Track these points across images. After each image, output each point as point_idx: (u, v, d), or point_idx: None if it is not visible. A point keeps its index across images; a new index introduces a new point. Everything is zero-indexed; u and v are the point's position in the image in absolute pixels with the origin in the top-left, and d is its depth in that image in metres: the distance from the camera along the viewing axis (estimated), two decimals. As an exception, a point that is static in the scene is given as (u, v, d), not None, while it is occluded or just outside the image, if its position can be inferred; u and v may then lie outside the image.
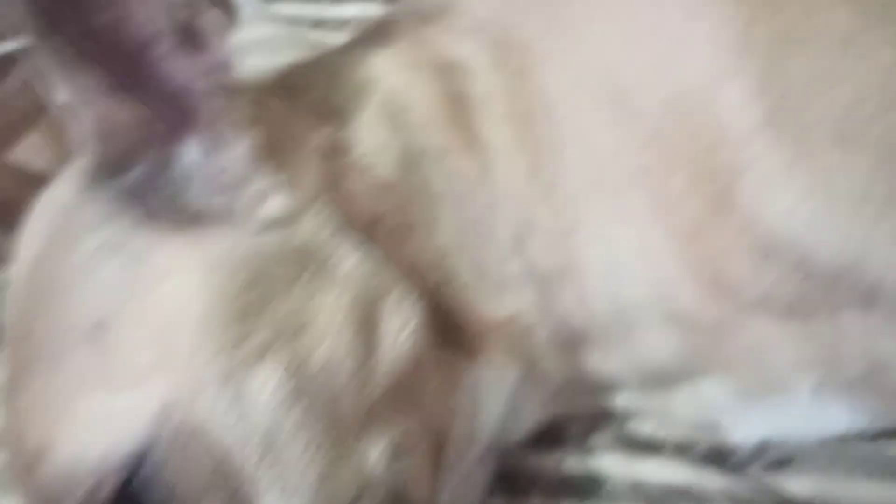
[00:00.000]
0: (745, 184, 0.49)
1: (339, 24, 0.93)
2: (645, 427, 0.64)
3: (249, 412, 0.45)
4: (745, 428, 0.60)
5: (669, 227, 0.52)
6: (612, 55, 0.53)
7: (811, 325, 0.51)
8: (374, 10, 0.92)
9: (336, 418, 0.47)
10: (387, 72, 0.56)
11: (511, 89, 0.55)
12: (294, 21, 0.94)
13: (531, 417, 0.59)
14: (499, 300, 0.54)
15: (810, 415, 0.57)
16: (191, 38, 0.47)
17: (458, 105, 0.55)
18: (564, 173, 0.54)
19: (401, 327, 0.50)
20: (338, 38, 0.89)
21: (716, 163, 0.49)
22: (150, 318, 0.46)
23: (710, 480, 0.60)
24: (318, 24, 0.94)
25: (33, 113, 1.96)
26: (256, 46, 0.90)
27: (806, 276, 0.49)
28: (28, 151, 1.88)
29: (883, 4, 0.50)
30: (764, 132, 0.48)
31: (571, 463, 0.63)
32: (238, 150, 0.48)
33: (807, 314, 0.50)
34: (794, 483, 0.60)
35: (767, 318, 0.51)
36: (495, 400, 0.56)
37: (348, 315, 0.48)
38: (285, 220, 0.49)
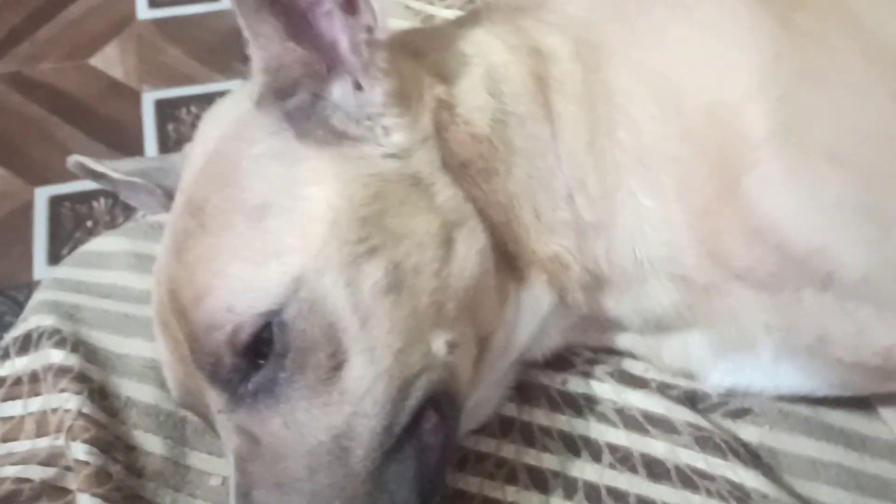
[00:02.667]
0: (749, 179, 0.62)
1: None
2: (637, 367, 0.78)
3: (356, 294, 0.59)
4: (716, 378, 0.73)
5: (687, 205, 0.65)
6: (668, 65, 0.66)
7: (779, 296, 0.64)
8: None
9: (416, 311, 0.61)
10: (490, 49, 0.70)
11: (583, 76, 0.68)
12: (401, -11, 1.06)
13: (554, 340, 0.74)
14: (547, 240, 0.68)
15: (768, 373, 0.71)
16: (349, 2, 0.61)
17: (541, 83, 0.69)
18: (614, 149, 0.67)
19: (471, 250, 0.64)
20: (437, 10, 1.03)
21: (731, 160, 0.63)
22: (299, 209, 0.60)
23: (680, 415, 0.74)
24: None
25: (115, 25, 2.10)
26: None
27: (781, 257, 0.62)
28: (107, 59, 2.02)
29: (888, 55, 0.62)
30: (771, 143, 0.62)
31: (574, 384, 0.77)
32: (376, 92, 0.63)
33: (777, 287, 0.64)
34: (747, 431, 0.74)
35: (747, 286, 0.65)
36: (531, 319, 0.70)
37: (437, 234, 0.62)
38: (404, 152, 0.63)
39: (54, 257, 1.65)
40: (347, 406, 0.59)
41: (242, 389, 0.60)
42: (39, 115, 1.88)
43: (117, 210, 1.71)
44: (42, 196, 1.75)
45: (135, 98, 1.90)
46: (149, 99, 1.89)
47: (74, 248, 1.62)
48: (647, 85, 0.67)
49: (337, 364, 0.59)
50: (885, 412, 0.73)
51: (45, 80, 1.95)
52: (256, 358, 0.59)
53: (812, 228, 0.61)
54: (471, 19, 0.75)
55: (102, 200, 1.73)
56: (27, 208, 1.73)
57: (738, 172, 0.63)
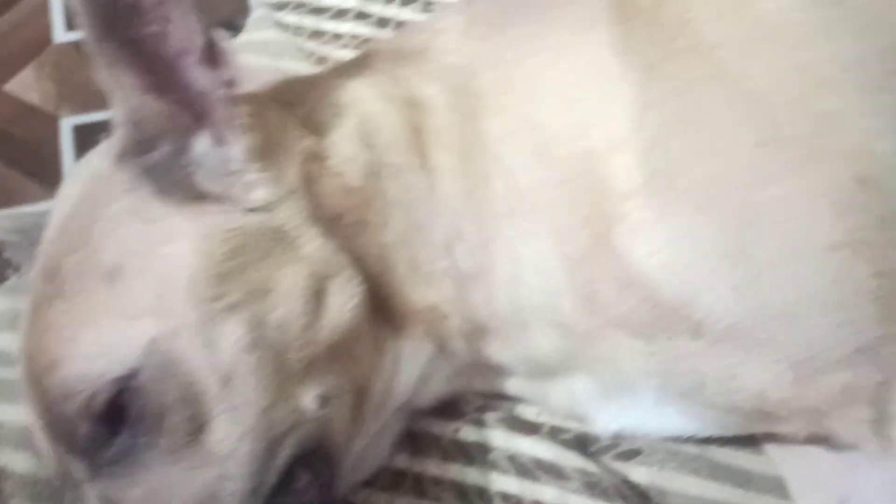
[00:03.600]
0: (620, 230, 0.62)
1: (334, 37, 1.06)
2: (529, 412, 0.78)
3: (216, 353, 0.58)
4: (604, 421, 0.74)
5: (562, 253, 0.65)
6: (542, 114, 0.67)
7: (654, 343, 0.65)
8: (366, 30, 1.07)
9: (282, 366, 0.60)
10: (366, 99, 0.69)
11: (460, 127, 0.68)
12: (295, 29, 1.06)
13: (438, 388, 0.73)
14: (425, 291, 0.68)
15: (653, 415, 0.71)
16: (212, 55, 0.61)
17: (417, 134, 0.68)
18: (491, 198, 0.67)
19: (343, 302, 0.63)
20: (330, 50, 1.03)
21: (602, 210, 0.63)
22: (154, 269, 0.59)
23: (570, 460, 0.74)
24: (316, 34, 1.06)
25: (30, 48, 2.05)
26: (261, 48, 1.03)
27: (653, 307, 0.63)
28: (22, 84, 1.96)
29: (755, 101, 0.64)
30: (639, 194, 0.62)
31: (466, 432, 0.76)
32: (238, 147, 0.62)
33: (652, 335, 0.64)
34: (637, 472, 0.74)
35: (624, 333, 0.65)
36: (411, 369, 0.69)
37: (304, 287, 0.61)
38: (267, 206, 0.62)
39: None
40: (212, 469, 0.58)
41: (102, 457, 0.58)
42: (-50, 143, 1.83)
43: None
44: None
45: (52, 123, 1.85)
46: (66, 124, 1.84)
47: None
48: (521, 134, 0.67)
49: (199, 426, 0.58)
50: (770, 448, 0.74)
51: (-43, 107, 1.89)
52: (114, 425, 0.57)
53: (681, 279, 0.62)
54: (351, 67, 0.75)
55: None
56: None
57: (609, 222, 0.63)
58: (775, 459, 0.74)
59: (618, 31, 0.67)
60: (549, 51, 0.69)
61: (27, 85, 1.91)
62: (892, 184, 0.64)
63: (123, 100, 0.61)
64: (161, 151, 0.62)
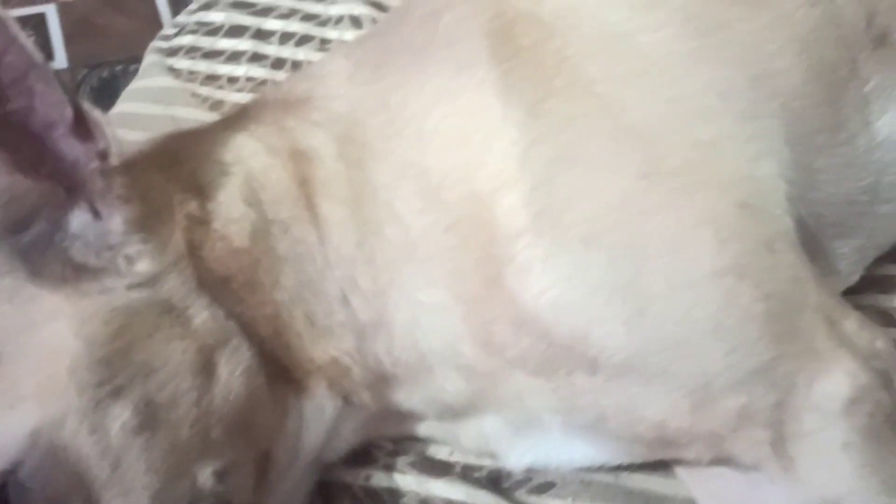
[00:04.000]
0: (511, 271, 0.63)
1: (229, 80, 1.05)
2: (441, 452, 0.77)
3: (102, 439, 0.56)
4: (515, 457, 0.74)
5: (457, 296, 0.65)
6: (428, 157, 0.66)
7: (553, 380, 0.65)
8: (262, 72, 1.06)
9: (175, 445, 0.58)
10: (250, 154, 0.68)
11: (347, 176, 0.68)
12: (189, 74, 1.04)
13: (347, 440, 0.72)
14: (324, 345, 0.67)
15: (562, 448, 0.72)
16: (82, 126, 0.59)
17: (304, 186, 0.67)
18: (383, 246, 0.67)
19: (235, 372, 0.61)
20: (226, 94, 1.02)
21: (493, 251, 0.63)
22: (32, 356, 0.57)
23: (483, 499, 0.73)
24: (211, 79, 1.04)
25: None
26: (153, 96, 1.01)
27: (549, 346, 0.63)
28: None
29: (635, 134, 0.64)
30: (526, 234, 0.62)
31: (377, 479, 0.75)
32: (115, 220, 0.60)
33: (550, 372, 0.64)
34: (553, 504, 0.75)
35: (524, 373, 0.65)
36: (317, 426, 0.68)
37: (194, 361, 0.60)
38: (151, 280, 0.61)
39: None
40: None
41: None
42: None
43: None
44: None
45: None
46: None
47: None
48: (409, 179, 0.67)
49: None
50: (681, 471, 0.75)
51: None
52: None
53: (572, 316, 0.62)
54: (236, 120, 0.74)
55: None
56: None
57: (499, 264, 0.63)
58: (686, 482, 0.75)
59: (498, 71, 0.67)
60: (432, 93, 0.69)
61: None
62: (772, 208, 0.66)
63: None
64: (36, 229, 0.60)
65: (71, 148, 0.60)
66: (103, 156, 0.59)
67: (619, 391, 0.64)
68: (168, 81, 1.02)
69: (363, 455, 0.76)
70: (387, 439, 0.77)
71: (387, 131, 0.69)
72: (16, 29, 0.56)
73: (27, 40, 0.56)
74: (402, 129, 0.69)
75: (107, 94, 1.13)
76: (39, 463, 0.55)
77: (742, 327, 0.62)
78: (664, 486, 0.75)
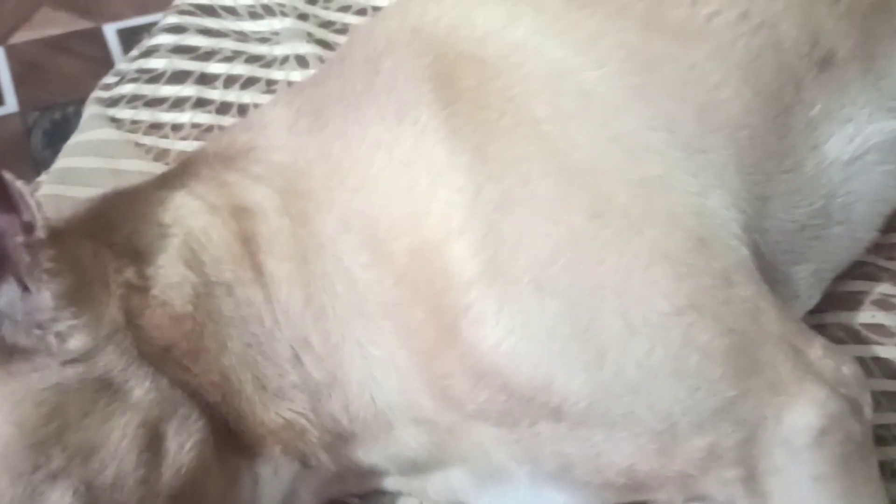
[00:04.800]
0: (465, 323, 0.61)
1: (174, 128, 1.02)
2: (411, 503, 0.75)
3: None
4: (486, 507, 0.72)
5: (411, 350, 0.63)
6: (373, 208, 0.65)
7: (516, 431, 0.63)
8: (207, 118, 1.03)
9: None
10: (189, 214, 0.66)
11: (292, 231, 0.66)
12: (131, 124, 1.01)
13: (308, 502, 0.70)
14: (277, 408, 0.65)
15: (532, 498, 0.69)
16: (5, 199, 0.56)
17: (247, 244, 0.65)
18: (332, 302, 0.65)
19: (184, 443, 0.59)
20: (171, 143, 0.99)
21: (445, 303, 0.61)
22: None
23: (458, 552, 0.72)
24: (154, 128, 1.02)
25: None
26: (95, 149, 0.98)
27: (509, 397, 0.61)
28: None
29: (582, 173, 0.63)
30: (479, 283, 0.61)
31: (348, 535, 0.73)
32: (46, 295, 0.57)
33: (512, 423, 0.63)
34: (527, 552, 0.73)
35: (485, 424, 0.63)
36: (272, 492, 0.66)
37: (136, 436, 0.57)
38: (86, 355, 0.58)
39: None
40: None
41: None
42: None
43: None
44: None
45: None
46: None
47: None
48: (355, 231, 0.65)
49: None
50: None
51: None
52: None
53: (531, 365, 0.61)
54: (174, 177, 0.71)
55: None
56: None
57: (452, 316, 0.62)
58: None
59: (441, 115, 0.66)
60: (374, 141, 0.67)
61: None
62: (726, 239, 0.65)
63: None
64: None
65: None
66: (28, 228, 0.56)
67: (585, 438, 0.62)
68: (109, 133, 0.99)
69: (332, 510, 0.74)
70: (352, 496, 0.75)
71: (330, 182, 0.67)
72: None
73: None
74: (344, 178, 0.67)
75: (59, 136, 1.11)
76: None
77: (703, 366, 0.61)
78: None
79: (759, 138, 0.69)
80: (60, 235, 0.58)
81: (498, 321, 0.61)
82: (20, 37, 1.36)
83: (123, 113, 1.02)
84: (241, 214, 0.67)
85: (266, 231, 0.66)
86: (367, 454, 0.69)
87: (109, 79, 1.08)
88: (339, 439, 0.67)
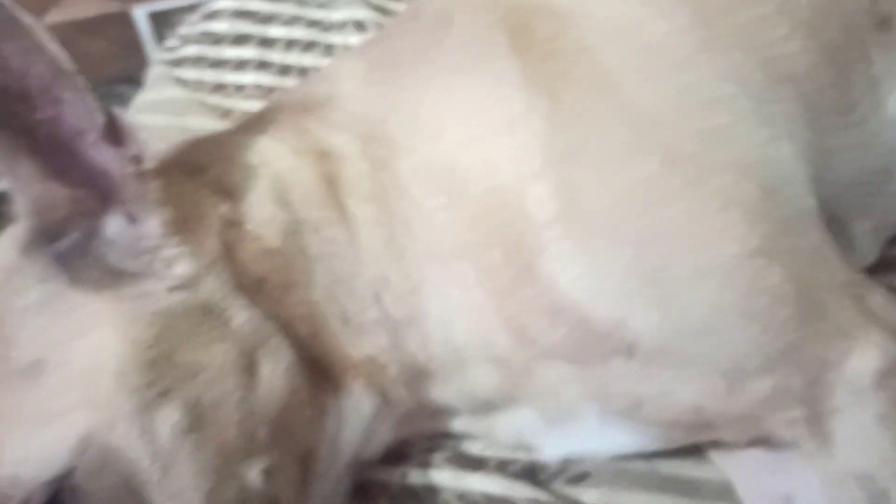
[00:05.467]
0: (544, 261, 0.63)
1: (237, 89, 1.05)
2: (474, 447, 0.77)
3: (153, 442, 0.56)
4: (551, 448, 0.74)
5: (488, 290, 0.65)
6: (449, 154, 0.67)
7: (589, 368, 0.65)
8: (269, 79, 1.06)
9: (223, 446, 0.58)
10: (276, 156, 0.68)
11: (372, 175, 0.68)
12: (196, 85, 1.04)
13: (384, 438, 0.72)
14: (359, 343, 0.67)
15: (598, 437, 0.72)
16: (114, 132, 0.59)
17: (331, 186, 0.68)
18: (411, 243, 0.67)
19: (276, 371, 0.62)
20: (235, 103, 1.02)
21: (522, 243, 0.64)
22: (77, 362, 0.57)
23: (521, 492, 0.74)
24: (218, 88, 1.05)
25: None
26: (163, 107, 1.01)
27: (585, 332, 0.63)
28: None
29: (651, 122, 0.65)
30: (557, 223, 0.63)
31: (413, 476, 0.75)
32: (152, 224, 0.60)
33: (586, 360, 0.65)
34: (588, 494, 0.74)
35: (559, 362, 0.66)
36: (355, 425, 0.68)
37: (235, 361, 0.60)
38: (189, 283, 0.61)
39: None
40: None
41: None
42: None
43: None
44: None
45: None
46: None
47: None
48: (433, 175, 0.67)
49: None
50: (715, 455, 0.75)
51: None
52: None
53: (608, 301, 0.62)
54: (255, 123, 0.74)
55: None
56: None
57: (530, 255, 0.63)
58: (721, 465, 0.75)
59: (518, 63, 0.67)
60: (452, 88, 0.69)
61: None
62: (793, 188, 0.67)
63: (24, 190, 0.59)
64: (71, 237, 0.60)
65: (100, 155, 0.60)
66: (137, 160, 0.59)
67: (655, 376, 0.64)
68: (177, 92, 1.02)
69: (398, 453, 0.76)
70: (421, 437, 0.77)
71: (407, 129, 0.69)
72: (44, 37, 0.56)
73: (56, 48, 0.56)
74: (421, 126, 0.69)
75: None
76: (91, 468, 0.54)
77: (772, 308, 0.63)
78: (699, 471, 0.75)
79: (824, 92, 0.71)
80: (162, 169, 0.61)
81: (576, 259, 0.63)
82: (50, 19, 1.38)
83: (188, 74, 1.05)
84: (323, 158, 0.69)
85: (347, 174, 0.68)
86: (442, 392, 0.71)
87: (172, 42, 1.11)
88: (417, 376, 0.69)
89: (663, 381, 0.64)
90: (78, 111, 0.58)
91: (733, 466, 0.74)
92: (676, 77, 0.67)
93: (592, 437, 0.72)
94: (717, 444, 0.74)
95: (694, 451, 0.75)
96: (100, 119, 0.58)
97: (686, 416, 0.66)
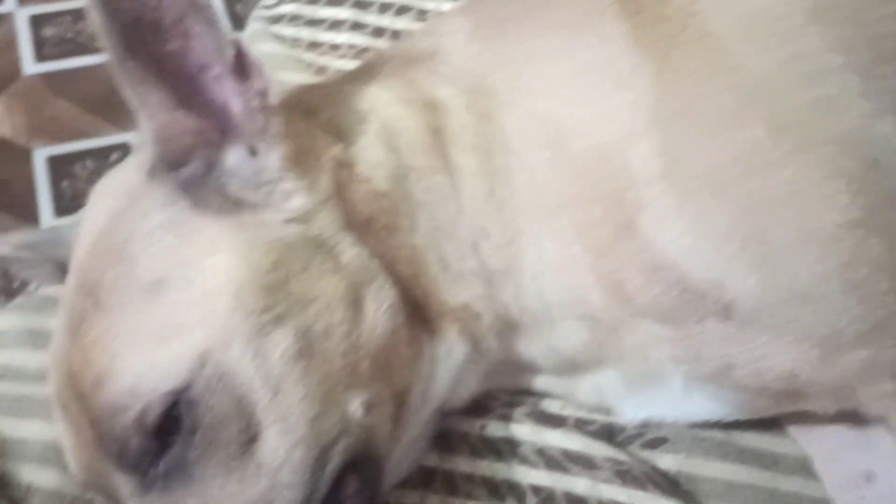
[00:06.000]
0: (645, 218, 0.64)
1: (332, 47, 1.07)
2: (553, 406, 0.79)
3: (265, 364, 0.58)
4: (631, 411, 0.75)
5: (586, 245, 0.66)
6: (556, 109, 0.68)
7: (683, 328, 0.66)
8: (362, 40, 1.08)
9: (328, 375, 0.60)
10: (384, 104, 0.70)
11: (477, 127, 0.69)
12: (292, 41, 1.07)
13: (471, 387, 0.74)
14: (456, 290, 0.69)
15: (680, 403, 0.72)
16: (240, 67, 0.61)
17: (437, 135, 0.69)
18: (513, 195, 0.68)
19: (380, 308, 0.64)
20: (329, 61, 1.04)
21: (624, 199, 0.65)
22: (198, 282, 0.59)
23: (599, 450, 0.75)
24: (313, 46, 1.07)
25: (0, 81, 2.01)
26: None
27: (682, 291, 0.64)
28: (-7, 116, 1.92)
29: (758, 88, 0.65)
30: (661, 181, 0.64)
31: (493, 428, 0.77)
32: (272, 157, 0.62)
33: (680, 320, 0.65)
34: (664, 460, 0.75)
35: (652, 321, 0.66)
36: (447, 370, 0.70)
37: (344, 295, 0.62)
38: (304, 216, 0.63)
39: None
40: (265, 479, 0.58)
41: (153, 472, 0.58)
42: (-78, 177, 1.79)
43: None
44: (-70, 262, 1.66)
45: (25, 156, 1.82)
46: (40, 156, 1.82)
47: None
48: (537, 130, 0.68)
49: (250, 437, 0.58)
50: (794, 430, 0.76)
51: (-73, 141, 1.86)
52: (165, 439, 0.57)
53: (708, 261, 0.63)
54: (363, 73, 0.75)
55: (-4, 266, 1.65)
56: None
57: (631, 211, 0.64)
58: (799, 440, 0.75)
59: (626, 25, 0.68)
60: (558, 47, 0.70)
61: (-4, 118, 1.90)
62: (894, 164, 0.67)
63: (151, 117, 0.61)
64: (193, 165, 0.62)
65: (224, 89, 0.62)
66: (262, 94, 0.61)
67: (750, 339, 0.65)
68: (274, 47, 1.04)
69: (480, 405, 0.77)
70: (502, 392, 0.78)
71: (513, 84, 0.71)
72: None
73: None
74: (528, 81, 0.70)
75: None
76: (207, 384, 0.57)
77: (871, 279, 0.63)
78: (777, 445, 0.75)
79: None
80: (283, 106, 0.63)
81: (678, 218, 0.63)
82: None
83: (285, 30, 1.08)
84: (429, 108, 0.70)
85: (453, 125, 0.70)
86: (529, 347, 0.72)
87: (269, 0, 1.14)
88: (508, 328, 0.71)
89: (758, 345, 0.65)
90: (207, 44, 0.60)
91: (813, 442, 0.75)
92: (785, 46, 0.67)
93: (674, 402, 0.73)
94: (797, 418, 0.74)
95: (773, 424, 0.76)
96: (229, 53, 0.60)
97: (777, 382, 0.66)
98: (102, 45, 0.59)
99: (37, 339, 0.81)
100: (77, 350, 0.60)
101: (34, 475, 0.74)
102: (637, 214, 0.64)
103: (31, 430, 0.76)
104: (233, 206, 0.62)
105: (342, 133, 0.68)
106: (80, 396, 0.59)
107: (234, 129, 0.62)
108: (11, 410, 0.78)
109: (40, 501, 0.73)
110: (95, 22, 0.58)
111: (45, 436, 0.75)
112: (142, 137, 0.62)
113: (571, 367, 0.74)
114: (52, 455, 0.74)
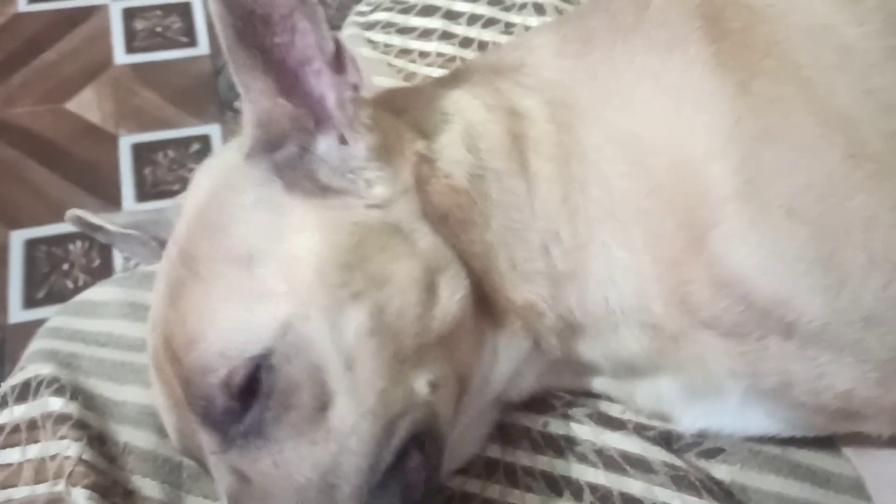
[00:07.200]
0: (716, 234, 0.66)
1: (421, 55, 1.12)
2: (614, 409, 0.81)
3: (341, 337, 0.63)
4: (688, 421, 0.77)
5: (656, 257, 0.69)
6: (637, 125, 0.71)
7: (744, 343, 0.68)
8: (450, 49, 1.12)
9: (398, 352, 0.64)
10: (469, 108, 0.74)
11: (557, 137, 0.73)
12: (384, 47, 1.12)
13: (530, 382, 0.77)
14: (523, 288, 0.72)
15: (736, 416, 0.74)
16: (337, 62, 0.66)
17: (517, 142, 0.73)
18: (587, 204, 0.71)
19: (453, 294, 0.67)
20: (418, 67, 1.08)
21: (697, 216, 0.67)
22: (285, 256, 0.64)
23: (657, 455, 0.77)
24: (404, 52, 1.12)
25: (92, 69, 2.11)
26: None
27: (747, 307, 0.66)
28: (83, 103, 2.02)
29: (839, 117, 0.67)
30: (734, 200, 0.66)
31: (554, 426, 0.80)
32: (360, 146, 0.67)
33: (742, 335, 0.67)
34: (720, 469, 0.77)
35: (714, 334, 0.69)
36: (507, 362, 0.74)
37: (418, 279, 0.66)
38: (385, 203, 0.67)
39: (30, 301, 1.66)
40: (334, 444, 0.62)
41: (234, 431, 0.63)
42: (14, 159, 1.87)
43: (93, 253, 1.71)
44: (18, 239, 1.75)
45: (111, 142, 1.91)
46: (125, 143, 1.91)
47: (50, 291, 1.64)
48: (616, 144, 0.71)
49: (322, 404, 0.62)
50: (848, 451, 0.77)
51: (21, 123, 1.94)
52: (247, 400, 0.62)
53: (775, 280, 0.65)
54: (451, 79, 0.80)
55: (79, 243, 1.72)
56: (2, 251, 1.73)
57: (704, 227, 0.67)
58: (854, 461, 0.76)
59: (710, 50, 0.71)
60: (643, 68, 0.73)
61: (87, 104, 1.99)
62: None
63: (253, 102, 0.66)
64: (288, 150, 0.68)
65: (321, 81, 0.67)
66: (356, 88, 0.66)
67: (811, 358, 0.66)
68: (367, 52, 1.09)
69: (540, 403, 0.80)
70: (563, 391, 0.82)
71: (595, 99, 0.74)
72: None
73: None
74: (611, 98, 0.73)
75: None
76: (287, 352, 0.61)
77: None
78: (831, 464, 0.77)
79: None
80: (373, 102, 0.68)
81: (748, 236, 0.66)
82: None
83: (378, 36, 1.13)
84: (512, 116, 0.74)
85: (534, 133, 0.73)
86: (590, 349, 0.75)
87: (363, 7, 1.19)
88: (570, 329, 0.74)
89: (818, 363, 0.66)
90: (310, 39, 0.66)
91: (867, 464, 0.76)
92: (864, 80, 0.69)
93: (730, 415, 0.75)
94: (853, 440, 0.75)
95: (827, 443, 0.77)
96: (330, 48, 0.65)
97: (834, 402, 0.68)
98: (217, 33, 0.65)
99: (136, 311, 0.87)
100: (173, 315, 0.65)
101: (131, 435, 0.79)
102: (708, 231, 0.67)
103: (129, 393, 0.82)
104: (320, 189, 0.66)
105: (426, 131, 0.72)
106: (173, 358, 0.64)
107: (328, 119, 0.67)
108: (112, 375, 0.83)
109: (135, 460, 0.78)
110: (213, 12, 0.63)
111: (142, 400, 0.80)
112: (243, 120, 0.68)
113: (630, 372, 0.76)
114: (147, 419, 0.79)
